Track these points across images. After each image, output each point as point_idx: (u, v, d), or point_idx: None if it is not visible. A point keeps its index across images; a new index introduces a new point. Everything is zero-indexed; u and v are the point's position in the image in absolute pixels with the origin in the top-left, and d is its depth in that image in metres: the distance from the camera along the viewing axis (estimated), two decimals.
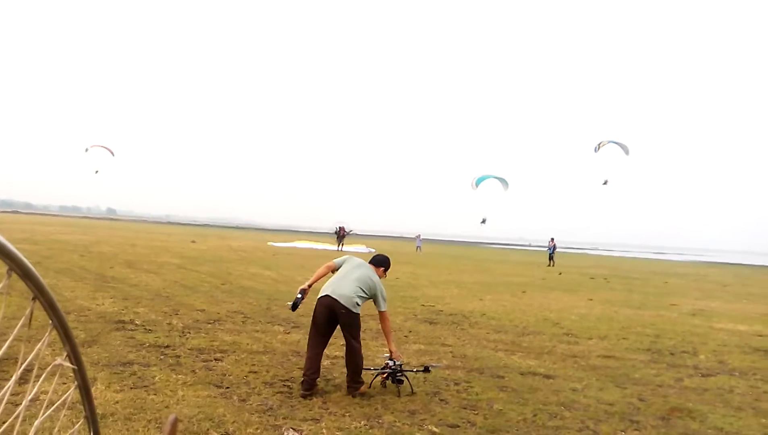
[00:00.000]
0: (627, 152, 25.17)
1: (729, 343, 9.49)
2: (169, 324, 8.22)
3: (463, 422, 4.80)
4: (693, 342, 9.37)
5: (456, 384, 6.01)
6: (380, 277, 5.76)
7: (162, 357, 6.31)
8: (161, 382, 5.37)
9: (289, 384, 5.61)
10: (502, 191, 27.15)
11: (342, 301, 5.34)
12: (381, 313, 5.62)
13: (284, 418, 4.63)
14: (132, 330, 7.64)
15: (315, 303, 5.51)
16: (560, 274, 26.79)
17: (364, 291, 5.46)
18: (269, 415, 4.68)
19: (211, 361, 6.31)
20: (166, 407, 4.68)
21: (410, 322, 9.93)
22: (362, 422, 4.65)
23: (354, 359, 5.40)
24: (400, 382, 5.50)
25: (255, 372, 5.97)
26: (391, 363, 5.54)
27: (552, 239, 36.32)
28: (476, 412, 5.07)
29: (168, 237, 41.07)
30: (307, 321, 9.41)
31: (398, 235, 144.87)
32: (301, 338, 7.78)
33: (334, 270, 5.81)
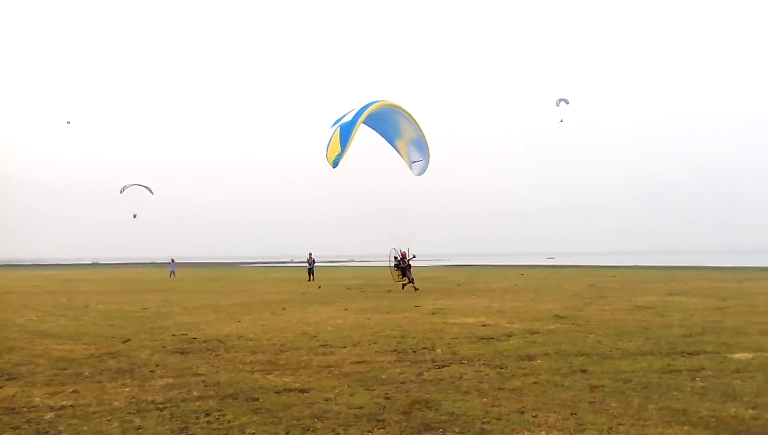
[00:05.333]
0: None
1: (460, 335, 10.94)
2: None
3: None
4: (432, 338, 10.54)
5: (207, 414, 5.56)
6: None
7: None
8: None
9: None
10: (149, 196, 37.91)
11: None
12: None
13: None
14: None
15: None
16: (320, 287, 27.76)
17: None
18: None
19: None
20: None
21: (158, 355, 8.93)
22: None
23: None
24: None
25: None
26: None
27: (310, 254, 37.53)
28: None
29: None
30: (27, 370, 7.75)
31: (149, 261, 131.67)
32: (17, 392, 6.37)
33: None
